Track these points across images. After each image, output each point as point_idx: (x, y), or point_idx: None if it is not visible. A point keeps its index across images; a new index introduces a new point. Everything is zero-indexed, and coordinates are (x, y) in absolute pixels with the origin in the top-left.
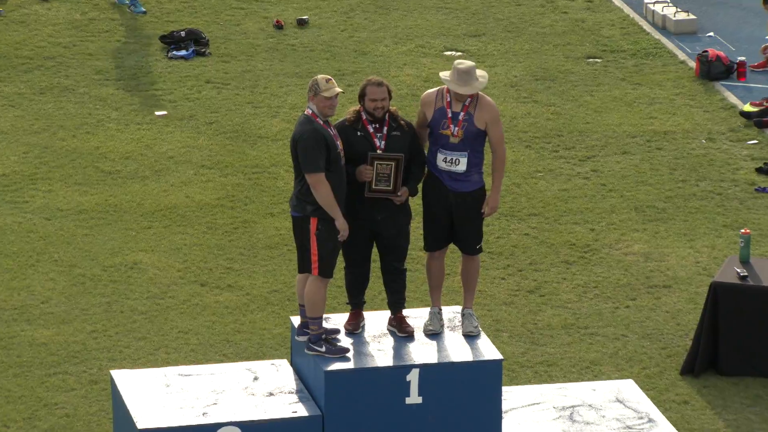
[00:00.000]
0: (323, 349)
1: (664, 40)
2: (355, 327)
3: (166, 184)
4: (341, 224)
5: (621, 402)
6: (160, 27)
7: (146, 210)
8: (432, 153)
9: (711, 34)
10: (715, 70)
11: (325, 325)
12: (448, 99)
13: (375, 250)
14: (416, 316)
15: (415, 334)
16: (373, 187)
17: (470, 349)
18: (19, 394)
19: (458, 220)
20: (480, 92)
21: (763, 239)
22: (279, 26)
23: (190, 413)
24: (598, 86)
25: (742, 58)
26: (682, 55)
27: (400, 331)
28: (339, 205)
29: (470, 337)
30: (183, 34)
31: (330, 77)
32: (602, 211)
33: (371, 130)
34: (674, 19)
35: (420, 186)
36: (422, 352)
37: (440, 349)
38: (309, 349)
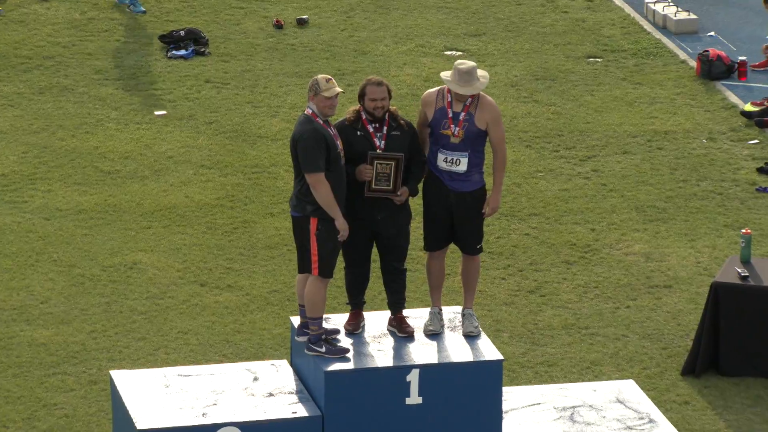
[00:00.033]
0: (323, 349)
1: (665, 40)
2: (355, 327)
3: (165, 184)
4: (341, 224)
5: (621, 402)
6: (160, 26)
7: (146, 210)
8: (432, 153)
9: (712, 33)
10: (715, 70)
11: (325, 325)
12: (449, 99)
13: (375, 250)
14: (416, 317)
15: (416, 334)
16: (373, 186)
17: (470, 349)
18: (19, 395)
19: (459, 219)
20: (481, 92)
21: (764, 239)
22: (279, 26)
23: (189, 414)
24: (598, 86)
25: (743, 58)
26: (682, 55)
27: (400, 331)
28: (339, 205)
29: (470, 337)
30: (182, 33)
31: (330, 77)
32: (603, 211)
33: (371, 130)
34: (675, 18)
35: (420, 186)
36: (422, 352)
37: (440, 349)
38: (309, 349)
